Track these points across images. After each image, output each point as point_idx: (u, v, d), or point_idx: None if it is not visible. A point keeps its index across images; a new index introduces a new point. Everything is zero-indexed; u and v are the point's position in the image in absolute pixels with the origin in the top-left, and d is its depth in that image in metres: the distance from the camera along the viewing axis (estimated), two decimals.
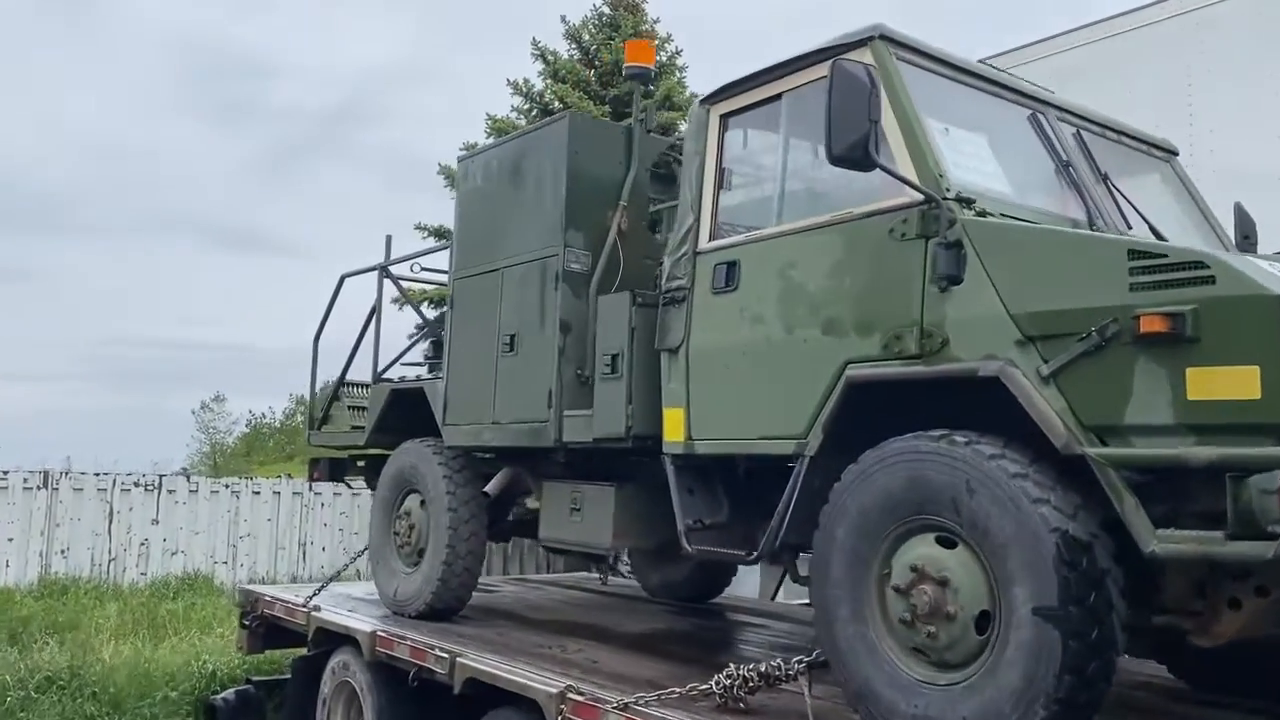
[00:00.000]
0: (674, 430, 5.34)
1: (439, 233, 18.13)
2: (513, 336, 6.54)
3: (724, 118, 5.38)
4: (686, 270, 5.36)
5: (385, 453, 8.45)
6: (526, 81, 18.12)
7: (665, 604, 8.42)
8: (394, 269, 8.29)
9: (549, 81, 17.77)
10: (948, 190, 4.17)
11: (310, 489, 17.82)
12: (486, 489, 6.89)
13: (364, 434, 8.10)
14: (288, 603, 7.93)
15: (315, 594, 7.87)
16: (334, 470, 8.89)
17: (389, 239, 8.43)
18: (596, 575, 9.91)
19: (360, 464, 8.81)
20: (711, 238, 5.31)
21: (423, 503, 7.40)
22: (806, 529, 4.58)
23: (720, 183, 5.36)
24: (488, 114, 17.78)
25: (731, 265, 5.10)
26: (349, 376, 8.70)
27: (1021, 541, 3.65)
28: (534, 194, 6.52)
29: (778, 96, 5.08)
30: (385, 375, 8.20)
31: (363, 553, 8.33)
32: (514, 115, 17.76)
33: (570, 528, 6.24)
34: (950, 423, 4.04)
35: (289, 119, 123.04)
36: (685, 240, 5.40)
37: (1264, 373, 3.27)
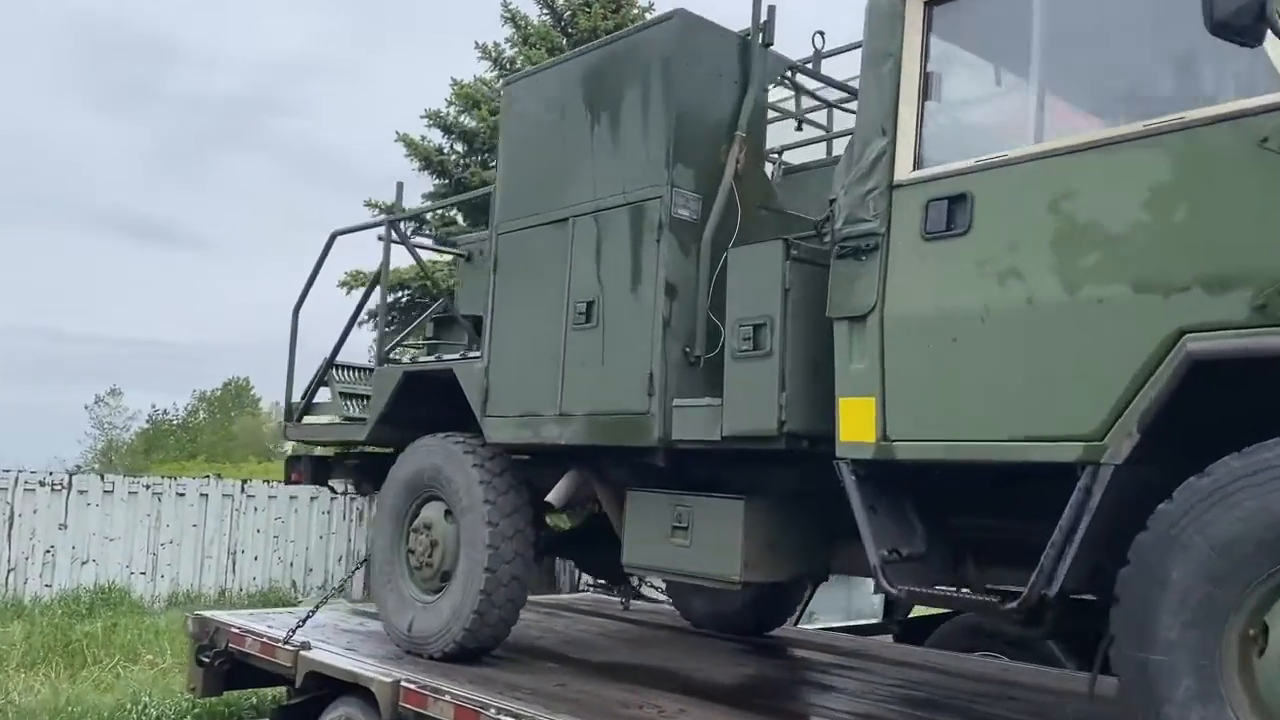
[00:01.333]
0: (857, 427, 3.94)
1: (389, 209, 16.38)
2: (589, 304, 5.05)
3: (930, 5, 4.00)
4: (878, 210, 3.96)
5: (382, 451, 6.89)
6: (496, 46, 16.55)
7: (727, 639, 6.99)
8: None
9: (520, 48, 16.22)
10: None
11: (243, 491, 15.96)
12: (549, 498, 5.37)
13: (365, 428, 6.49)
14: (264, 637, 6.28)
15: (300, 625, 6.24)
16: (318, 471, 7.25)
17: (400, 185, 6.85)
18: (616, 598, 8.45)
19: (352, 463, 7.20)
20: (917, 165, 3.91)
21: (448, 513, 5.86)
22: (1090, 566, 3.25)
23: (927, 92, 3.97)
24: (453, 79, 16.14)
25: (956, 201, 3.72)
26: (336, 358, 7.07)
27: None
28: (624, 120, 5.04)
29: None
30: (390, 356, 6.61)
31: (358, 569, 6.73)
32: (481, 82, 16.19)
33: (673, 553, 4.78)
34: None
35: (191, 106, 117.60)
36: (873, 170, 4.00)
37: None
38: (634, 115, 4.98)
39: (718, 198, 4.84)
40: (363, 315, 9.50)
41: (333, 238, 7.12)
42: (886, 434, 3.85)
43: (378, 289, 6.88)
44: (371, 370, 7.08)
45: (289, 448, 15.59)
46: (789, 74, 5.38)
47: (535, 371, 5.32)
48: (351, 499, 16.49)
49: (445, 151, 16.25)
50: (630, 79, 5.02)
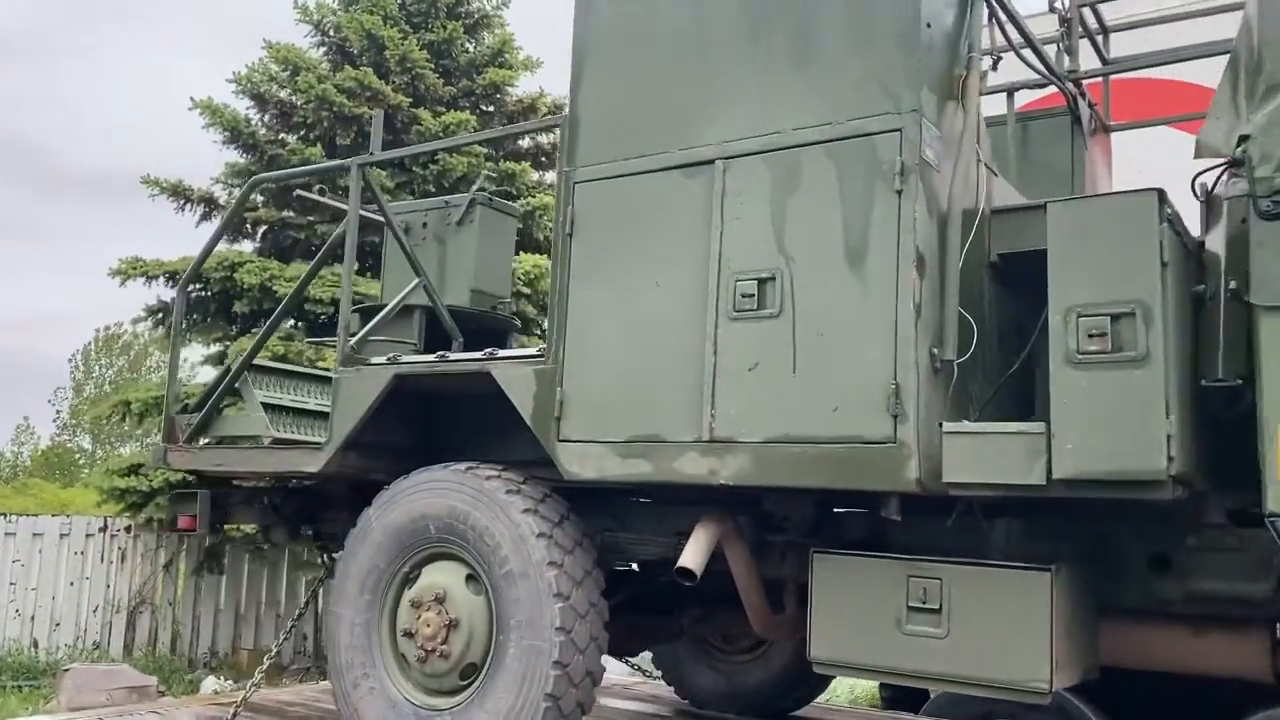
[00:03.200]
0: None
1: (178, 190, 13.67)
2: (763, 283, 3.47)
3: None
4: None
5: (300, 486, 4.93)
6: (320, 4, 14.22)
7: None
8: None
9: (349, 12, 14.01)
10: None
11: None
12: (687, 563, 3.68)
13: (319, 453, 4.51)
14: None
15: None
16: (219, 512, 5.11)
17: (378, 116, 4.90)
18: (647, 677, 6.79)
19: (274, 504, 5.14)
20: None
21: (470, 579, 4.06)
22: None
23: None
24: (265, 40, 13.66)
25: None
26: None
27: None
28: (822, 19, 3.53)
29: None
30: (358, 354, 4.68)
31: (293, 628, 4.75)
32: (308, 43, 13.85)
33: (912, 647, 3.27)
34: None
35: None
36: None
37: None
38: (842, 11, 3.48)
39: (964, 137, 3.44)
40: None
41: (251, 185, 5.06)
42: None
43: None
44: (310, 376, 5.08)
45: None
46: None
47: (652, 378, 3.67)
48: (112, 536, 13.47)
49: (254, 122, 13.76)
50: None
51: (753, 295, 3.47)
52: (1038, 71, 4.32)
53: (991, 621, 3.17)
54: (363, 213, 4.97)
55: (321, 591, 7.18)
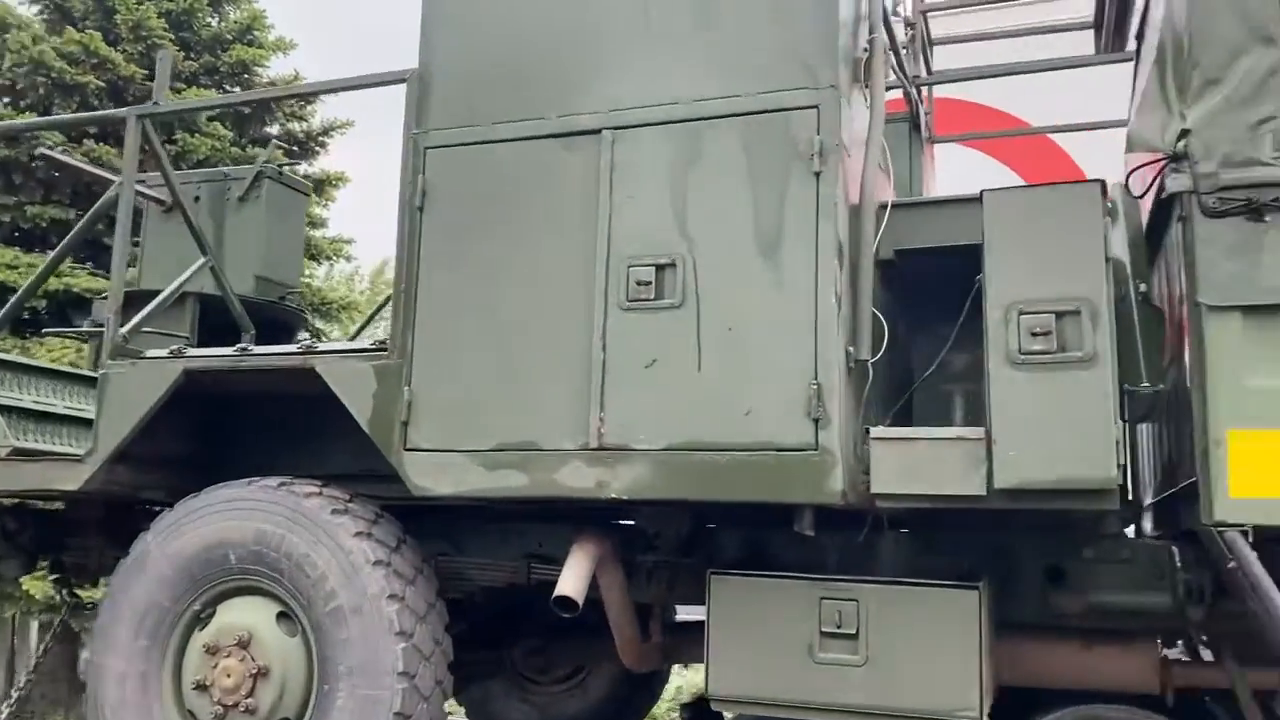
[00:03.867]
0: (1262, 477, 2.56)
1: None
2: (660, 269, 3.07)
3: None
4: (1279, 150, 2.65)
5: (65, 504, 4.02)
6: None
7: None
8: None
9: None
10: None
11: None
12: (567, 591, 3.15)
13: (81, 466, 3.64)
14: None
15: None
16: None
17: (165, 58, 4.03)
18: None
19: (5, 531, 4.13)
20: None
21: (283, 617, 3.38)
22: None
23: None
24: None
25: None
26: None
27: None
28: None
29: None
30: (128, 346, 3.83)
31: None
32: None
33: (823, 678, 2.95)
34: None
35: None
36: (1261, 92, 2.69)
37: None
38: None
39: (873, 121, 3.19)
40: None
41: None
42: None
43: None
44: (56, 373, 4.15)
45: None
46: None
47: (526, 376, 3.17)
48: None
49: None
50: None
51: (649, 283, 3.05)
52: (895, 72, 4.19)
53: (915, 646, 2.91)
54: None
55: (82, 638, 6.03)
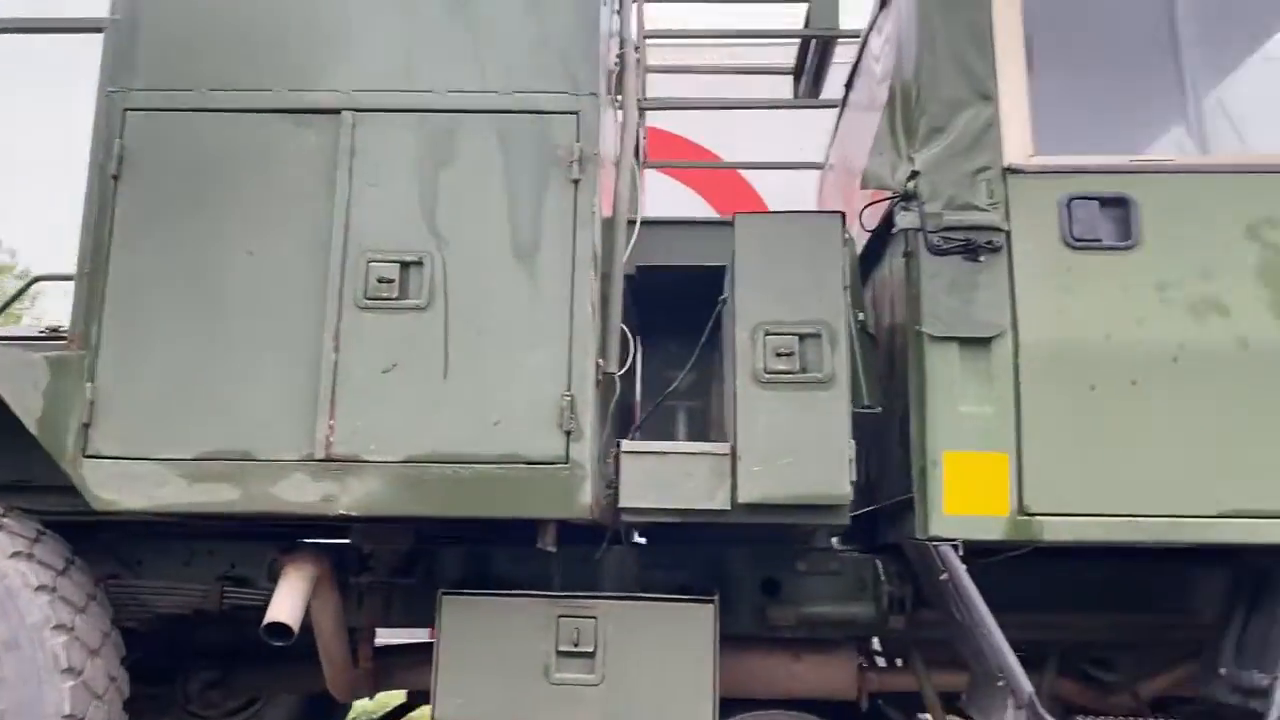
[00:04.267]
0: (975, 495, 2.81)
1: None
2: (405, 266, 2.86)
3: None
4: (995, 197, 2.92)
5: None
6: None
7: None
8: None
9: None
10: None
11: None
12: (281, 617, 2.78)
13: None
14: None
15: None
16: None
17: None
18: None
19: None
20: (1036, 150, 2.99)
21: None
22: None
23: (1030, 57, 3.07)
24: None
25: (1111, 204, 2.91)
26: None
27: None
28: None
29: None
30: None
31: None
32: None
33: (559, 698, 2.84)
34: None
35: None
36: (979, 144, 2.96)
37: None
38: None
39: (625, 133, 3.19)
40: None
41: None
42: (1024, 505, 2.79)
43: None
44: None
45: None
46: None
47: (241, 376, 2.82)
48: None
49: None
50: None
51: (392, 281, 2.83)
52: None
53: (650, 662, 2.89)
54: None
55: None
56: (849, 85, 4.32)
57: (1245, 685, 2.84)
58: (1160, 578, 3.30)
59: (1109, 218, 2.90)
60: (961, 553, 2.79)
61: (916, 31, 3.09)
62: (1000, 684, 2.84)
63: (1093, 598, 3.35)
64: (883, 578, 3.34)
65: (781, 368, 2.83)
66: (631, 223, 3.16)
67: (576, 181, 2.87)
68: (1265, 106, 3.28)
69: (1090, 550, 2.86)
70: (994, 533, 2.78)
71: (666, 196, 6.40)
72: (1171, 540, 2.79)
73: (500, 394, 2.78)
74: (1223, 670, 2.96)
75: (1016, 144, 2.97)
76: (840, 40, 4.79)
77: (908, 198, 2.94)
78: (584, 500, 2.72)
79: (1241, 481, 2.77)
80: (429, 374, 2.79)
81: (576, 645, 2.88)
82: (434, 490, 2.73)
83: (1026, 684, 2.76)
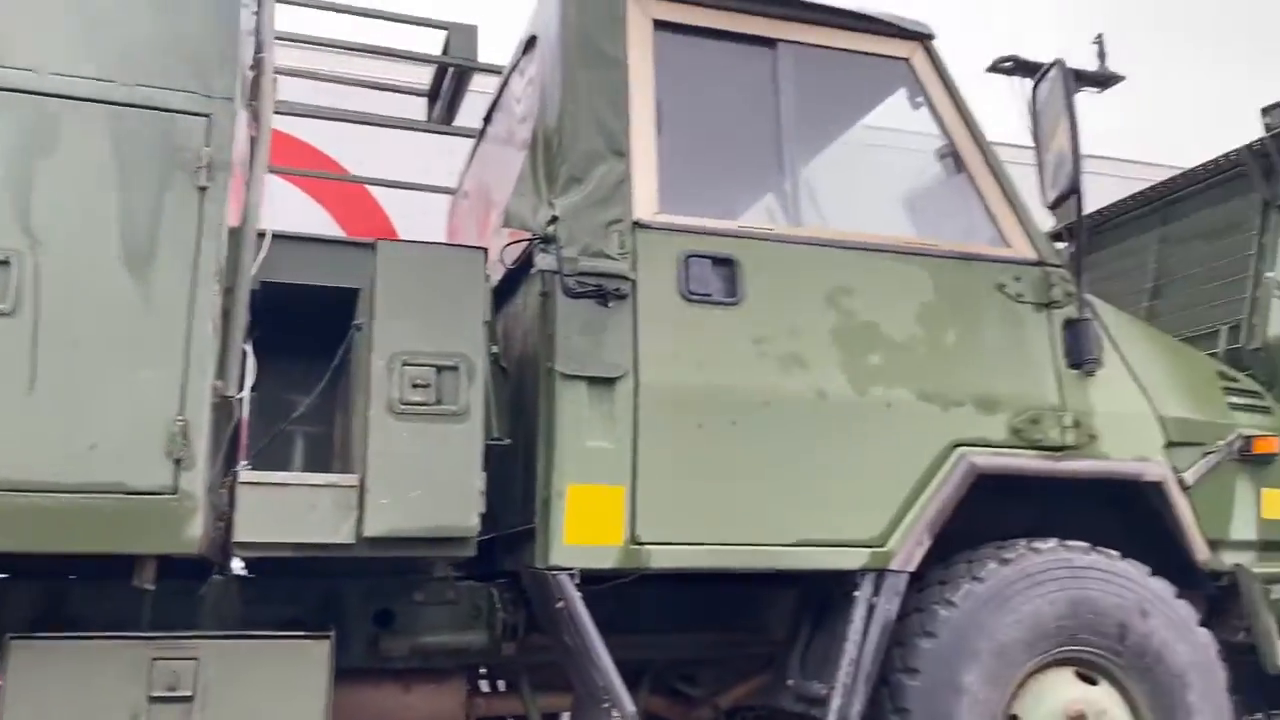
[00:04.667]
0: (593, 525, 2.98)
1: None
2: None
3: (659, 29, 3.39)
4: (625, 248, 3.12)
5: None
6: None
7: None
8: None
9: None
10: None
11: None
12: None
13: None
14: None
15: None
16: None
17: None
18: None
19: None
20: (661, 208, 3.23)
21: None
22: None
23: (659, 121, 3.32)
24: None
25: (721, 264, 3.22)
26: None
27: (1200, 669, 3.40)
28: None
29: (770, 43, 3.50)
30: None
31: None
32: None
33: None
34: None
35: None
36: (614, 197, 3.16)
37: None
38: None
39: (259, 144, 3.03)
40: None
41: None
42: (637, 535, 2.99)
43: None
44: None
45: None
46: None
47: None
48: None
49: None
50: None
51: None
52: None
53: (258, 705, 2.73)
54: None
55: None
56: (488, 119, 4.39)
57: (808, 695, 3.23)
58: (744, 599, 3.66)
59: (719, 275, 3.20)
60: (578, 580, 2.93)
61: (560, 83, 3.22)
62: (605, 704, 3.01)
63: (687, 619, 3.64)
64: (498, 605, 3.40)
65: (417, 399, 2.82)
66: (261, 235, 2.99)
67: (204, 189, 2.68)
68: (848, 189, 3.79)
69: (695, 575, 3.12)
70: (608, 561, 2.96)
71: (285, 204, 6.11)
72: (755, 566, 3.12)
73: (99, 415, 2.51)
74: (790, 681, 3.34)
75: (645, 200, 3.19)
76: (478, 70, 4.87)
77: (547, 240, 3.05)
78: (193, 534, 2.53)
79: (813, 514, 3.16)
80: (13, 389, 2.46)
81: (174, 690, 2.66)
82: (12, 523, 2.41)
83: (630, 704, 2.95)
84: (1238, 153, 5.27)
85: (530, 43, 3.64)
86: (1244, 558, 3.70)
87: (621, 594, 3.11)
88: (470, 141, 4.76)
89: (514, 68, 3.91)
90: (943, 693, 3.10)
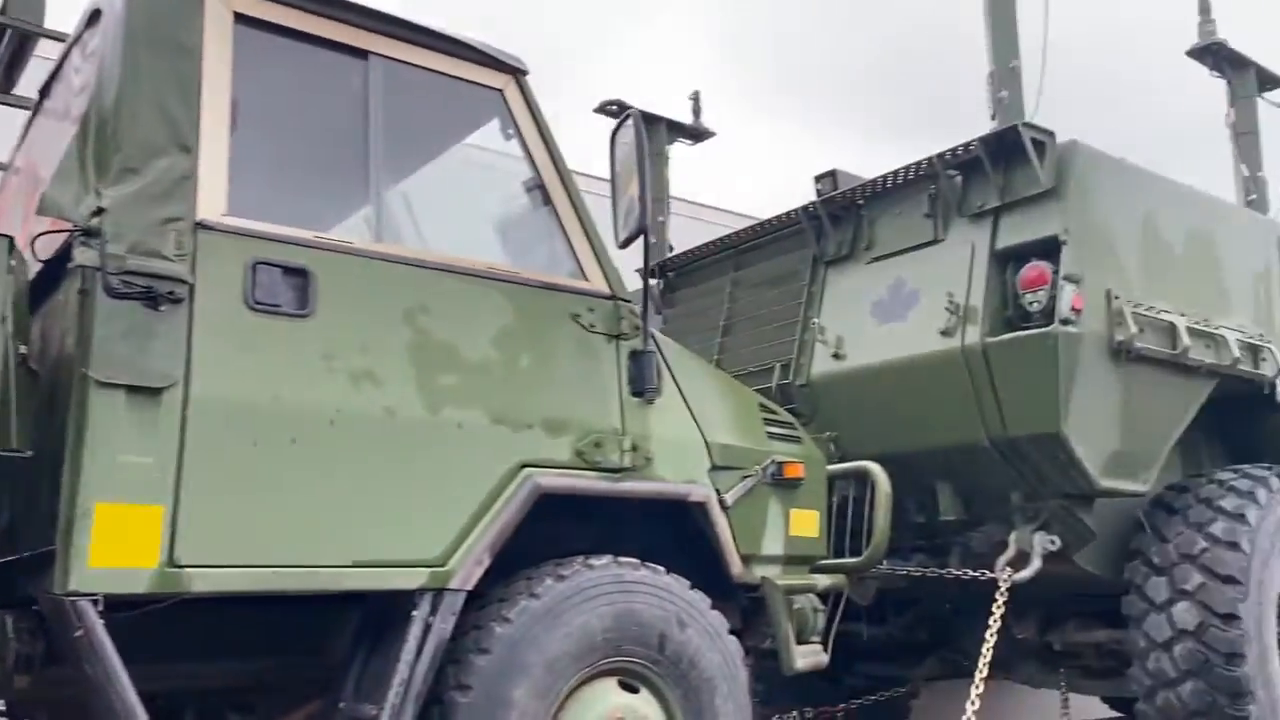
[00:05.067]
0: (123, 547, 2.75)
1: None
2: None
3: (240, 22, 3.22)
4: (183, 249, 2.93)
5: None
6: None
7: None
8: None
9: None
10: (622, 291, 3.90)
11: None
12: None
13: None
14: None
15: None
16: None
17: None
18: None
19: None
20: (230, 210, 3.07)
21: None
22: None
23: (234, 119, 3.15)
24: None
25: (293, 274, 3.12)
26: None
27: (726, 673, 3.77)
28: None
29: (362, 54, 3.45)
30: None
31: None
32: None
33: None
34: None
35: None
36: (173, 194, 2.95)
37: (820, 517, 4.45)
38: None
39: None
40: None
41: None
42: (175, 558, 2.79)
43: None
44: None
45: None
46: None
47: None
48: None
49: None
50: None
51: None
52: None
53: None
54: None
55: None
56: (45, 91, 3.96)
57: (358, 717, 3.18)
58: (306, 622, 3.54)
59: (290, 286, 3.09)
60: (101, 607, 2.68)
61: (120, 64, 2.97)
62: None
63: (244, 644, 3.45)
64: (11, 635, 3.04)
65: None
66: None
67: None
68: (438, 209, 3.81)
69: (255, 598, 2.96)
70: (140, 586, 2.74)
71: None
72: (310, 588, 3.03)
73: None
74: (342, 704, 3.27)
75: (211, 200, 3.01)
76: (42, 36, 4.40)
77: (90, 233, 2.79)
78: None
79: (375, 534, 3.13)
80: None
81: None
82: None
83: None
84: (796, 212, 5.96)
85: (95, 16, 3.33)
86: (771, 571, 4.13)
87: (170, 619, 2.89)
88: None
89: (76, 40, 3.55)
90: (491, 708, 3.17)
